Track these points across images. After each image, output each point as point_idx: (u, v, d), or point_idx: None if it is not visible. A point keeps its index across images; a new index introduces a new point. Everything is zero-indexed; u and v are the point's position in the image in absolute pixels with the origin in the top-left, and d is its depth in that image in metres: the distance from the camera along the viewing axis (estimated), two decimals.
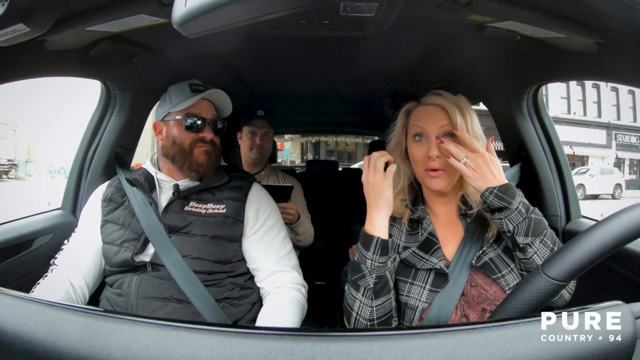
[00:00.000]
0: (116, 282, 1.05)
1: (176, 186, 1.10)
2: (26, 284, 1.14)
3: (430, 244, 0.95)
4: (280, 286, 1.09)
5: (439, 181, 0.93)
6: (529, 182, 1.33)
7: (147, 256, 1.05)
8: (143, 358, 0.43)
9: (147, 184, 1.13)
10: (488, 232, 0.93)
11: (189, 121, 1.11)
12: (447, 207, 1.00)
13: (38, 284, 1.03)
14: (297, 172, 2.95)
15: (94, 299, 1.10)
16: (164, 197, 1.12)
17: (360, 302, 0.86)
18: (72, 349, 0.43)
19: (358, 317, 0.86)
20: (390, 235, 0.90)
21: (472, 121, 0.94)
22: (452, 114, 0.92)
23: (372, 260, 0.86)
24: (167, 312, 0.99)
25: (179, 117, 1.12)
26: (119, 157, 1.40)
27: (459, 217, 0.98)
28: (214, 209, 1.09)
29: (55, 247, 1.17)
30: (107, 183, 1.20)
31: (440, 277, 0.90)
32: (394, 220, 1.01)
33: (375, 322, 0.86)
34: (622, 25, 0.75)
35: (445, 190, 0.96)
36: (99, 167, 1.40)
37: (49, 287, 1.02)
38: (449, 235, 0.97)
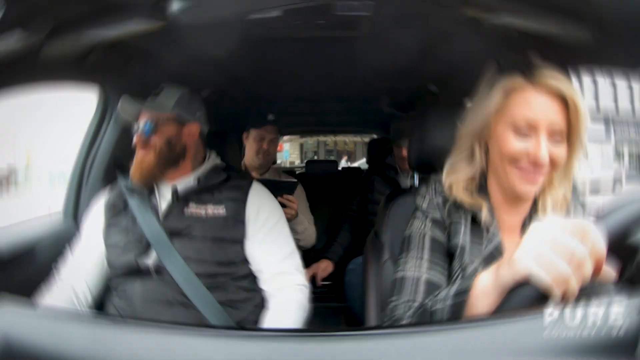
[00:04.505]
0: (120, 287, 1.05)
1: (174, 188, 1.11)
2: (27, 289, 1.14)
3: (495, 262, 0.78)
4: (283, 288, 1.09)
5: (533, 188, 0.74)
6: None
7: (150, 259, 1.05)
8: None
9: (147, 189, 1.13)
10: None
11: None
12: (515, 216, 0.80)
13: (41, 292, 1.03)
14: (297, 172, 2.95)
15: (98, 305, 1.11)
16: (164, 201, 1.12)
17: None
18: (78, 356, 0.43)
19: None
20: (453, 233, 0.78)
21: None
22: (575, 112, 0.70)
23: None
24: (171, 315, 1.00)
25: None
26: (119, 163, 1.40)
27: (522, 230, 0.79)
28: (214, 210, 1.08)
29: (55, 252, 1.17)
30: (110, 189, 1.20)
31: None
32: (458, 209, 0.80)
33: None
34: (616, 15, 0.75)
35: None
36: (99, 172, 1.41)
37: (52, 295, 1.02)
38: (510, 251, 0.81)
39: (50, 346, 0.44)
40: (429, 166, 1.10)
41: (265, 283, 1.11)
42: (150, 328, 0.47)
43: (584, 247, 0.46)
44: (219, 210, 1.09)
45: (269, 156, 1.92)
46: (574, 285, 0.45)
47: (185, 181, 1.13)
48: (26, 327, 0.45)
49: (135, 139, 1.11)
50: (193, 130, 1.18)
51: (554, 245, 0.47)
